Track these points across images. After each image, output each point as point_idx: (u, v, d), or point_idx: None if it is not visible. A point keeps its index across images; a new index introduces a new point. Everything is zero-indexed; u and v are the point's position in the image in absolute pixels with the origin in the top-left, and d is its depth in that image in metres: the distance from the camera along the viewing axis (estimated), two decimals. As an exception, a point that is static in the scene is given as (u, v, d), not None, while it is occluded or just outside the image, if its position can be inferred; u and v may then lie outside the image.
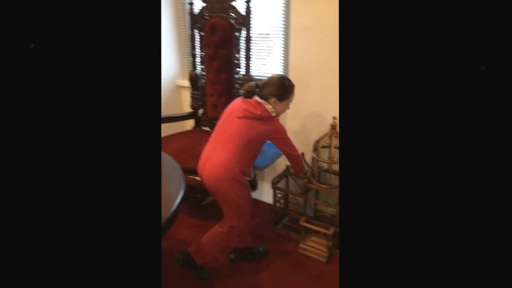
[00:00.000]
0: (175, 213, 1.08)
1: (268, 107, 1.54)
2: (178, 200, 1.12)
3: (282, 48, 2.20)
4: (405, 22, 0.58)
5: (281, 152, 1.68)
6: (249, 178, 1.66)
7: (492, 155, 0.56)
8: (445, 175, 0.58)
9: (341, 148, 0.69)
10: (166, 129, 2.14)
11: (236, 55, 2.18)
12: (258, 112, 1.51)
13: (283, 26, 2.14)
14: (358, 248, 0.63)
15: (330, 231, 1.82)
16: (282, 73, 2.23)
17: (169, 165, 1.39)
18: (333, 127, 1.81)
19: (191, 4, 2.23)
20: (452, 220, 0.58)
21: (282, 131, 1.57)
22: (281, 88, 1.55)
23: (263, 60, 2.37)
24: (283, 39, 2.18)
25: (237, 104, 1.59)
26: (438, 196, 0.58)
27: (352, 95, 0.63)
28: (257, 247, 1.89)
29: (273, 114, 1.55)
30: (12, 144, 0.61)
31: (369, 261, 0.62)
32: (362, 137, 0.63)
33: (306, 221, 1.92)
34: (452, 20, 0.56)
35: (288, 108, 1.64)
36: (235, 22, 2.10)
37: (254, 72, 2.30)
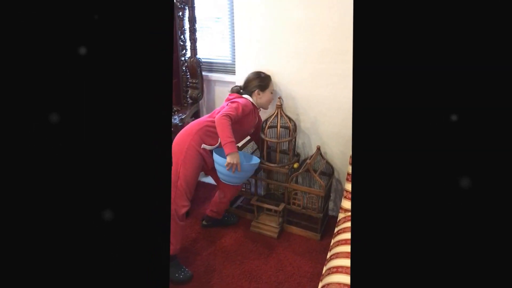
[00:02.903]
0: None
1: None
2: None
3: (230, 32, 2.17)
4: None
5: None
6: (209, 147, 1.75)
7: None
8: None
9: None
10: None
11: (182, 36, 2.12)
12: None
13: (230, 9, 2.10)
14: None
15: (280, 208, 1.88)
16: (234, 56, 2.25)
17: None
18: (278, 107, 1.83)
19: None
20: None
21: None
22: (259, 80, 1.85)
23: (216, 42, 2.33)
24: (230, 22, 2.14)
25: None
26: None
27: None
28: (229, 217, 2.06)
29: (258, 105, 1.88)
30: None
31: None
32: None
33: (258, 200, 1.96)
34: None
35: (271, 97, 1.90)
36: (176, 0, 2.03)
37: (203, 55, 2.26)
